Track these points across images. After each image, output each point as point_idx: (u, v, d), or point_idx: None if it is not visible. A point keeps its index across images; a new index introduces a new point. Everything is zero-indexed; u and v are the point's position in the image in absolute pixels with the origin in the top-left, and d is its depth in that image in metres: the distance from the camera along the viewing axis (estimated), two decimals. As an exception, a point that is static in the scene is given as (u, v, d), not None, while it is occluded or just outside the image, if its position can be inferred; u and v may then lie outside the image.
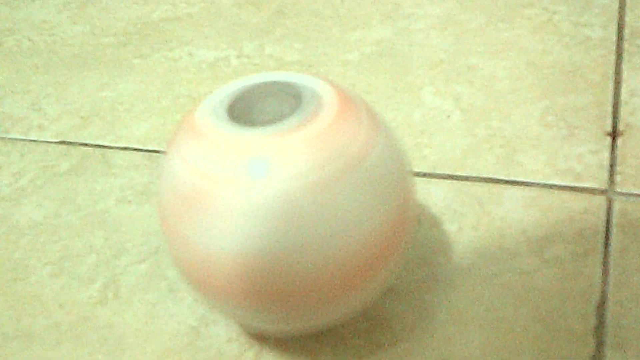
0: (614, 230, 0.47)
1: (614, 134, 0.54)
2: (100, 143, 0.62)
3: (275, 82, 0.41)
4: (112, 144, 0.61)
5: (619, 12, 0.68)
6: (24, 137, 0.63)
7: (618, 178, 0.51)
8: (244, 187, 0.35)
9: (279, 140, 0.36)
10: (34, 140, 0.63)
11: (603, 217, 0.49)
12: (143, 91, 0.68)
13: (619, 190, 0.50)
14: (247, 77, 0.41)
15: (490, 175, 0.53)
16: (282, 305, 0.37)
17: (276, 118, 0.42)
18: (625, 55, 0.62)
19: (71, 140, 0.62)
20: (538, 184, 0.52)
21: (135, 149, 0.61)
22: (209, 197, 0.36)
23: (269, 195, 0.35)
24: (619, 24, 0.66)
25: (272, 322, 0.39)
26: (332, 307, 0.38)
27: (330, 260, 0.36)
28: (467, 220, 0.50)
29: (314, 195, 0.35)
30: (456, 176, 0.53)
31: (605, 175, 0.51)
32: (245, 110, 0.40)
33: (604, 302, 0.43)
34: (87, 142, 0.62)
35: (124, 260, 0.50)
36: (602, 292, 0.44)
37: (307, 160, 0.35)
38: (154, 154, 0.60)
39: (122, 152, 0.60)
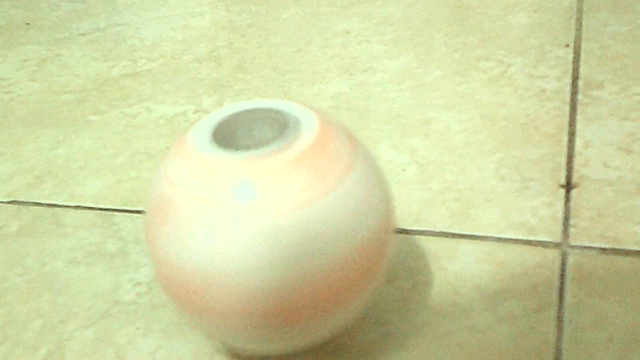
0: (568, 285, 0.47)
1: (568, 186, 0.54)
2: (52, 202, 0.61)
3: (259, 109, 0.42)
4: (64, 203, 0.60)
5: (574, 64, 0.68)
6: (-25, 198, 0.62)
7: (572, 231, 0.51)
8: (228, 209, 0.36)
9: (262, 163, 0.37)
10: (-15, 201, 0.62)
11: (557, 271, 0.48)
12: (98, 148, 0.67)
13: (573, 243, 0.50)
14: (234, 105, 0.43)
15: (445, 230, 0.53)
16: (264, 324, 0.38)
17: (260, 142, 0.43)
18: (579, 107, 0.62)
19: (22, 200, 0.61)
20: (492, 237, 0.51)
21: (87, 208, 0.59)
22: (192, 217, 0.36)
23: (253, 217, 0.36)
24: (573, 76, 0.67)
25: (255, 341, 0.39)
26: (310, 327, 0.39)
27: (313, 278, 0.36)
28: (421, 276, 0.49)
29: (297, 215, 0.36)
30: (411, 231, 0.53)
31: (559, 228, 0.51)
32: (230, 135, 0.42)
33: (558, 359, 0.43)
34: (38, 201, 0.61)
35: (70, 325, 0.49)
36: (556, 349, 0.43)
37: (290, 181, 0.36)
38: (107, 213, 0.59)
39: (74, 211, 0.59)
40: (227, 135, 0.41)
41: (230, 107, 0.43)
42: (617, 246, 0.49)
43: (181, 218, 0.37)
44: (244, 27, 0.87)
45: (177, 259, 0.37)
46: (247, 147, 0.43)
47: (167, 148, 0.66)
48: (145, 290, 0.51)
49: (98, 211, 0.59)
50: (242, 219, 0.36)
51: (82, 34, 0.91)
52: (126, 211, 0.59)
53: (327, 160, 0.38)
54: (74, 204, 0.60)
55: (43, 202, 0.61)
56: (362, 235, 0.38)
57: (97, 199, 0.60)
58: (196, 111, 0.71)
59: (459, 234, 0.52)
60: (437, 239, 0.52)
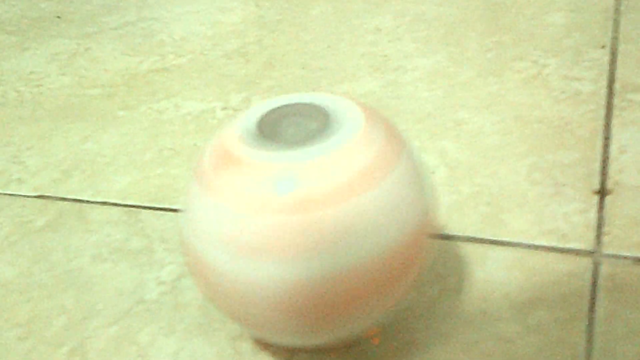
0: (600, 295, 0.46)
1: (602, 193, 0.53)
2: (79, 197, 0.60)
3: (302, 103, 0.42)
4: (90, 199, 0.60)
5: (610, 66, 0.67)
6: (2, 191, 0.62)
7: (605, 239, 0.49)
8: (268, 203, 0.36)
9: (304, 158, 0.37)
10: (12, 195, 0.62)
11: (589, 281, 0.47)
12: (126, 144, 0.67)
13: (606, 252, 0.49)
14: (274, 99, 0.42)
15: (475, 235, 0.51)
16: (298, 319, 0.38)
17: (305, 137, 0.41)
18: (615, 111, 0.61)
19: (49, 195, 0.61)
20: (523, 244, 0.50)
21: (113, 204, 0.59)
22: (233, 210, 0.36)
23: (292, 210, 0.36)
24: (609, 78, 0.65)
25: (286, 335, 0.39)
26: (342, 323, 0.39)
27: (348, 274, 0.36)
28: (449, 282, 0.48)
29: (336, 211, 0.36)
30: (439, 235, 0.52)
31: (592, 235, 0.50)
32: (275, 128, 0.41)
33: (589, 373, 0.41)
34: (65, 196, 0.61)
35: (93, 323, 0.48)
36: (587, 361, 0.42)
37: (331, 177, 0.36)
38: (133, 209, 0.58)
39: (100, 207, 0.59)
40: (272, 128, 0.41)
41: (276, 100, 0.42)
42: (653, 256, 0.48)
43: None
44: (273, 23, 0.86)
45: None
46: (292, 141, 0.41)
47: (194, 144, 0.65)
48: (169, 289, 0.50)
49: (124, 207, 0.59)
50: (281, 212, 0.36)
51: (112, 29, 0.91)
52: (152, 208, 0.58)
53: (370, 157, 0.38)
54: (100, 200, 0.60)
55: (69, 197, 0.61)
56: (399, 234, 0.38)
57: (123, 195, 0.60)
58: (224, 108, 0.71)
59: (489, 240, 0.51)
60: (467, 244, 0.51)
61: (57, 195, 0.61)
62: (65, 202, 0.60)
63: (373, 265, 0.37)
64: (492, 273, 0.48)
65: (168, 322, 0.48)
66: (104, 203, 0.60)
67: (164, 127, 0.69)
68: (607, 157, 0.56)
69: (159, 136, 0.68)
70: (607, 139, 0.58)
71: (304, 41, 0.81)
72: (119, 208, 0.59)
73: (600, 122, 0.60)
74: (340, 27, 0.83)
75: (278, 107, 0.42)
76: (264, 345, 0.46)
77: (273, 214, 0.36)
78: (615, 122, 0.60)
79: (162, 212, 0.58)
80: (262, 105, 0.42)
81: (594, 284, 0.47)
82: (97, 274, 0.52)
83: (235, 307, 0.39)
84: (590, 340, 0.43)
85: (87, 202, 0.60)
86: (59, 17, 0.97)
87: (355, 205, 0.36)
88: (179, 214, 0.57)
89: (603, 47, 0.69)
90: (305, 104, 0.42)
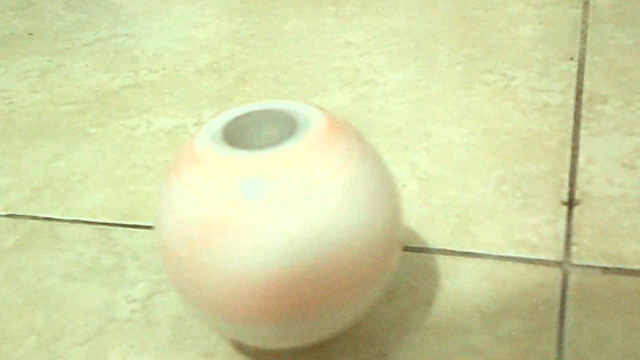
0: (569, 305, 0.46)
1: (571, 204, 0.54)
2: (50, 216, 0.60)
3: (268, 110, 0.43)
4: (61, 217, 0.60)
5: (578, 78, 0.68)
6: (-28, 211, 0.62)
7: (574, 249, 0.50)
8: (246, 209, 0.37)
9: (271, 161, 0.38)
10: (-18, 214, 0.61)
11: (558, 291, 0.47)
12: (98, 161, 0.67)
13: (575, 262, 0.49)
14: (241, 107, 0.43)
15: (445, 247, 0.52)
16: (287, 318, 0.39)
17: (270, 142, 0.44)
18: (583, 122, 0.62)
19: (20, 214, 0.61)
20: (493, 255, 0.50)
21: (85, 222, 0.59)
22: (219, 223, 0.37)
23: (269, 214, 0.37)
24: (577, 90, 0.66)
25: (277, 338, 0.40)
26: (319, 323, 0.39)
27: (318, 270, 0.37)
28: (420, 294, 0.48)
29: (307, 207, 0.37)
30: (411, 248, 0.52)
31: (561, 246, 0.50)
32: (241, 136, 0.43)
33: (558, 383, 0.42)
34: (36, 215, 0.60)
35: (64, 343, 0.48)
36: (556, 371, 0.42)
37: (300, 174, 0.37)
38: (105, 227, 0.58)
39: (71, 225, 0.59)
40: (239, 137, 0.42)
41: (239, 109, 0.43)
42: (620, 265, 0.48)
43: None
44: (246, 38, 0.86)
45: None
46: (257, 146, 0.44)
47: (166, 161, 0.65)
48: (141, 307, 0.50)
49: (95, 225, 0.59)
50: (252, 217, 0.37)
51: (85, 45, 0.91)
52: (124, 225, 0.58)
53: (335, 156, 0.39)
54: (71, 218, 0.60)
55: (40, 215, 0.60)
56: (367, 232, 0.38)
57: (94, 213, 0.60)
58: (196, 124, 0.71)
59: (459, 252, 0.51)
60: (437, 256, 0.51)
61: (27, 214, 0.61)
62: (36, 221, 0.60)
63: (341, 260, 0.38)
64: (462, 284, 0.49)
65: (139, 341, 0.48)
66: (75, 221, 0.59)
67: (136, 143, 0.69)
68: (575, 168, 0.57)
69: (131, 153, 0.67)
70: (575, 150, 0.59)
71: (277, 56, 0.81)
72: (91, 226, 0.59)
73: (569, 134, 0.61)
74: (312, 42, 0.83)
75: (245, 114, 0.43)
76: (235, 361, 0.45)
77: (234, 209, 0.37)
78: (583, 133, 0.60)
79: (133, 229, 0.57)
80: (230, 113, 0.43)
81: (563, 294, 0.47)
82: (67, 293, 0.52)
83: (209, 298, 0.39)
84: (560, 350, 0.43)
85: (58, 220, 0.60)
86: (30, 34, 0.96)
87: (321, 202, 0.37)
88: (151, 230, 0.57)
89: (571, 59, 0.70)
90: (271, 111, 0.43)
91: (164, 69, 0.82)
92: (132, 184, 0.63)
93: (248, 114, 0.43)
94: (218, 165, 0.38)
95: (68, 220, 0.59)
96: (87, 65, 0.86)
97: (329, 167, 0.38)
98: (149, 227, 0.58)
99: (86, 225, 0.59)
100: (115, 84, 0.80)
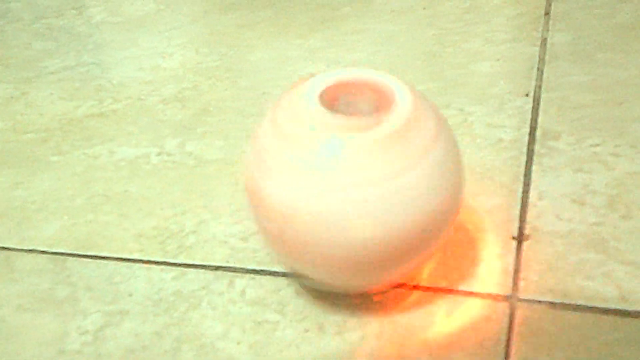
0: (515, 339, 0.47)
1: (520, 238, 0.55)
2: (5, 245, 0.60)
3: (362, 79, 0.48)
4: (16, 247, 0.60)
5: (532, 114, 0.69)
6: None
7: (522, 284, 0.51)
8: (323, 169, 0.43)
9: (358, 133, 0.43)
10: (-63, 243, 0.61)
11: (505, 325, 0.48)
12: (57, 190, 0.67)
13: (522, 297, 0.50)
14: (340, 70, 0.48)
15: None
16: (343, 270, 0.45)
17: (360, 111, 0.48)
18: (536, 158, 0.63)
19: (-25, 243, 0.61)
20: (442, 289, 0.51)
21: (40, 252, 0.59)
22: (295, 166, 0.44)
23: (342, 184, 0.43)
24: (531, 126, 0.67)
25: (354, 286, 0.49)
26: (381, 275, 0.46)
27: (386, 233, 0.43)
28: (370, 328, 0.49)
29: (382, 188, 0.43)
30: (363, 281, 0.53)
31: (509, 281, 0.51)
32: (334, 101, 0.48)
33: (500, 417, 0.42)
34: (-9, 244, 0.60)
35: (12, 374, 0.48)
36: (499, 405, 0.43)
37: (380, 155, 0.43)
38: (60, 257, 0.58)
39: (26, 255, 0.59)
40: (331, 100, 0.47)
41: (336, 73, 0.48)
42: (566, 301, 0.49)
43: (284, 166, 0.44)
44: (212, 69, 0.87)
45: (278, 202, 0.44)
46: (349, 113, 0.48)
47: (126, 191, 0.66)
48: (92, 340, 0.50)
49: (51, 255, 0.59)
50: (331, 182, 0.43)
51: (51, 73, 0.91)
52: (79, 256, 0.58)
53: (419, 132, 0.44)
54: (26, 248, 0.60)
55: (-4, 245, 0.60)
56: (435, 207, 0.44)
57: (50, 243, 0.60)
58: (159, 153, 0.71)
59: (410, 285, 0.52)
60: (391, 291, 0.52)
61: (-17, 243, 0.61)
62: (-9, 250, 0.60)
63: (408, 231, 0.44)
64: (411, 318, 0.49)
65: (89, 373, 0.48)
66: (31, 251, 0.59)
67: (97, 172, 0.69)
68: (526, 203, 0.58)
69: (91, 182, 0.68)
70: (527, 185, 0.60)
71: (241, 87, 0.82)
72: (46, 256, 0.59)
73: (521, 169, 0.62)
74: (277, 74, 0.84)
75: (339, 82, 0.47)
76: (184, 394, 0.46)
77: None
78: (535, 168, 0.62)
79: (89, 260, 0.58)
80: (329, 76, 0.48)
81: (510, 328, 0.48)
82: (19, 325, 0.52)
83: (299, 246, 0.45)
84: (503, 384, 0.44)
85: (14, 250, 0.59)
86: (-3, 61, 0.97)
87: (399, 183, 0.43)
88: (106, 261, 0.57)
89: (527, 95, 0.72)
90: (362, 81, 0.48)
91: (129, 98, 0.83)
92: (90, 214, 0.63)
93: (345, 82, 0.47)
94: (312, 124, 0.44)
95: (23, 250, 0.59)
96: (52, 94, 0.86)
97: (422, 143, 0.44)
98: (104, 258, 0.58)
99: (41, 255, 0.59)
100: (79, 112, 0.81)
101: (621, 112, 0.67)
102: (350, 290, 0.51)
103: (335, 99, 0.47)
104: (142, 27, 1.01)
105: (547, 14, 0.87)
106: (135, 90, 0.85)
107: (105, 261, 0.57)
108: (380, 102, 0.47)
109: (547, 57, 0.79)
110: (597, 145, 0.63)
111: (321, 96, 0.46)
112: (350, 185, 0.42)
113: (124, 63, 0.92)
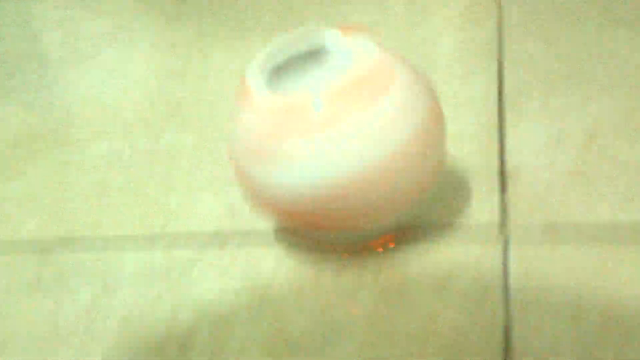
0: (513, 266, 0.47)
1: (503, 176, 0.56)
2: (-14, 240, 0.59)
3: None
4: (-2, 240, 0.59)
5: (499, 77, 0.71)
6: None
7: (511, 216, 0.52)
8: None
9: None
10: None
11: (500, 254, 0.49)
12: (34, 188, 0.66)
13: (513, 226, 0.51)
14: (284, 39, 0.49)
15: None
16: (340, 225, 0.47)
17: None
18: (508, 107, 0.64)
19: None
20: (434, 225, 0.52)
21: (25, 241, 0.58)
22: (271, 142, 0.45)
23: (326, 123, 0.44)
24: (499, 87, 0.69)
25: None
26: (379, 214, 0.46)
27: (367, 173, 0.44)
28: (368, 272, 0.49)
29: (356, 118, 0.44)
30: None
31: (498, 215, 0.52)
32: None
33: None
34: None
35: None
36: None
37: (349, 96, 0.44)
38: (45, 244, 0.57)
39: (9, 245, 0.58)
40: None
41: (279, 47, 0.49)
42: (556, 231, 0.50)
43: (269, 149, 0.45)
44: (176, 75, 0.88)
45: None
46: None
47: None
48: (85, 313, 0.49)
49: (35, 243, 0.57)
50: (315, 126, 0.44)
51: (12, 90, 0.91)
52: (63, 240, 0.57)
53: (378, 73, 0.45)
54: (8, 239, 0.58)
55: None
56: (415, 127, 0.45)
57: (33, 235, 0.59)
58: (132, 148, 0.71)
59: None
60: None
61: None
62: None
63: (395, 158, 0.44)
64: (408, 254, 0.49)
65: None
66: (13, 242, 0.58)
67: (72, 170, 0.68)
68: (504, 148, 0.59)
69: (66, 179, 0.67)
70: (502, 135, 0.61)
71: (205, 90, 0.83)
72: (29, 244, 0.57)
73: (495, 120, 0.63)
74: (240, 76, 0.85)
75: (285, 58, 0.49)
76: None
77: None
78: (509, 116, 0.63)
79: (74, 244, 0.57)
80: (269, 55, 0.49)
81: (505, 256, 0.48)
82: (11, 307, 0.51)
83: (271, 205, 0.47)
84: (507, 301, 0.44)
85: (-5, 243, 0.58)
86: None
87: (371, 111, 0.44)
88: (91, 242, 0.57)
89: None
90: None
91: (94, 103, 0.82)
92: (70, 203, 0.62)
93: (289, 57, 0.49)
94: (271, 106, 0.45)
95: (6, 241, 0.58)
96: (14, 112, 0.85)
97: (380, 84, 0.45)
98: (89, 238, 0.57)
99: (25, 244, 0.57)
100: (44, 126, 0.80)
101: (580, 69, 0.69)
102: (347, 241, 0.51)
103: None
104: (104, 41, 1.01)
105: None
106: (100, 98, 0.84)
107: (90, 242, 0.56)
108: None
109: (505, 33, 0.81)
110: (565, 96, 0.65)
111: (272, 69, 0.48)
112: (324, 126, 0.44)
113: (87, 75, 0.92)
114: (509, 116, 0.63)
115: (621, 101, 0.62)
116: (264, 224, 0.55)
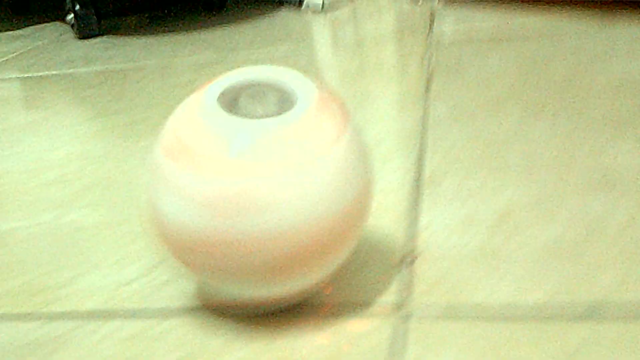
0: (410, 348, 0.44)
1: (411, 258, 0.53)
2: None
3: (263, 81, 0.46)
4: None
5: (418, 161, 0.70)
6: None
7: (414, 297, 0.49)
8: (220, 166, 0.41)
9: (263, 129, 0.41)
10: None
11: (400, 337, 0.45)
12: None
13: (414, 307, 0.48)
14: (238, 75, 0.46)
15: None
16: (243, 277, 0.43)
17: (263, 112, 0.46)
18: (425, 191, 0.63)
19: None
20: (335, 304, 0.48)
21: None
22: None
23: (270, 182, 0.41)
24: (418, 169, 0.68)
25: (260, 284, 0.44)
26: (304, 274, 0.44)
27: (293, 233, 0.41)
28: (254, 346, 0.45)
29: (285, 175, 0.41)
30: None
31: (402, 295, 0.49)
32: (235, 102, 0.46)
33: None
34: None
35: None
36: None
37: (287, 147, 0.41)
38: None
39: None
40: (232, 102, 0.46)
41: (236, 76, 0.46)
42: (457, 311, 0.47)
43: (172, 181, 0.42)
44: (97, 157, 0.85)
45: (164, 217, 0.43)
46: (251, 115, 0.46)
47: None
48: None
49: None
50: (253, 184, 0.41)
51: None
52: None
53: (320, 129, 0.42)
54: None
55: None
56: (346, 196, 0.43)
57: None
58: (34, 224, 0.67)
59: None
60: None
61: None
62: None
63: (322, 224, 0.42)
64: (298, 336, 0.46)
65: None
66: None
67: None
68: (416, 229, 0.57)
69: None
70: (414, 217, 0.59)
71: (126, 170, 0.80)
72: None
73: (410, 203, 0.61)
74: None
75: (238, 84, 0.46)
76: None
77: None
78: (424, 198, 0.61)
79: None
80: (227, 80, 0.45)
81: (404, 340, 0.45)
82: None
83: (198, 259, 0.43)
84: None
85: None
86: None
87: (307, 170, 0.41)
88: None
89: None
90: (263, 82, 0.46)
91: (9, 183, 0.79)
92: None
93: (244, 86, 0.46)
94: (219, 135, 0.41)
95: None
96: None
97: (324, 139, 0.42)
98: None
99: None
100: (-49, 198, 0.76)
101: (498, 155, 0.69)
102: (257, 300, 0.47)
103: (236, 100, 0.46)
104: (27, 130, 0.99)
105: (427, 91, 0.90)
106: (15, 178, 0.81)
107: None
108: (283, 100, 0.46)
109: (429, 122, 0.81)
110: (482, 179, 0.64)
111: (221, 97, 0.44)
112: (251, 178, 0.41)
113: (6, 159, 0.89)
114: (426, 197, 0.61)
115: (535, 186, 0.61)
116: (155, 300, 0.51)
